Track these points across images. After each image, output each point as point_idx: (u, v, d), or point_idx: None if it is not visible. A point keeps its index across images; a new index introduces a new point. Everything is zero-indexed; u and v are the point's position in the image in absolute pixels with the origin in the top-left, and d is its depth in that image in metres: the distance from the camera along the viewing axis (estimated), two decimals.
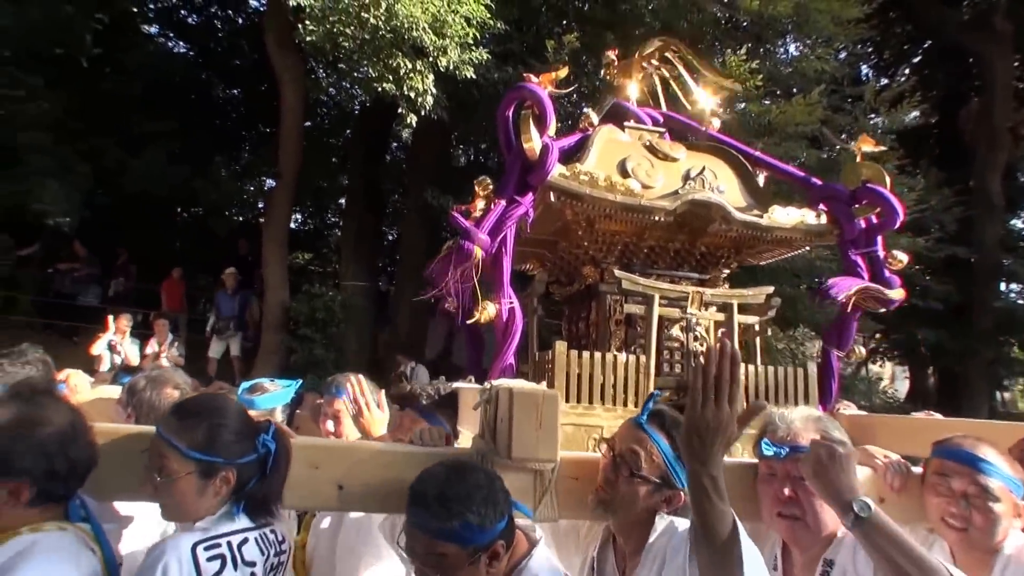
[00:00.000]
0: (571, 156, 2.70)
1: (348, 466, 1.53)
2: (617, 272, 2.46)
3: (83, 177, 9.59)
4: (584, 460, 1.69)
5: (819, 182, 2.83)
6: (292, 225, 11.84)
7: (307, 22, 8.25)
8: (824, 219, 2.68)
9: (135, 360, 7.37)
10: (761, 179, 2.96)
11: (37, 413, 1.29)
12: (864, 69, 11.94)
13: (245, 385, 2.38)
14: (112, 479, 1.41)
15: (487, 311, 2.43)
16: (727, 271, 2.80)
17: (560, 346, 2.35)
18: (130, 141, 10.59)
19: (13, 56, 9.26)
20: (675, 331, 2.54)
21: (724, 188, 2.73)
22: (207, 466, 1.32)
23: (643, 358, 2.36)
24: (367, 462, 1.55)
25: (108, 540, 1.32)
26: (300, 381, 2.58)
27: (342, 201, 14.46)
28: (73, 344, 8.36)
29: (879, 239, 2.60)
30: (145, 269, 11.11)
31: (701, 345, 2.52)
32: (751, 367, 2.40)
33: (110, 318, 7.24)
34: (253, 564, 1.35)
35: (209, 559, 1.28)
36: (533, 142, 2.43)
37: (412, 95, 8.48)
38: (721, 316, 2.50)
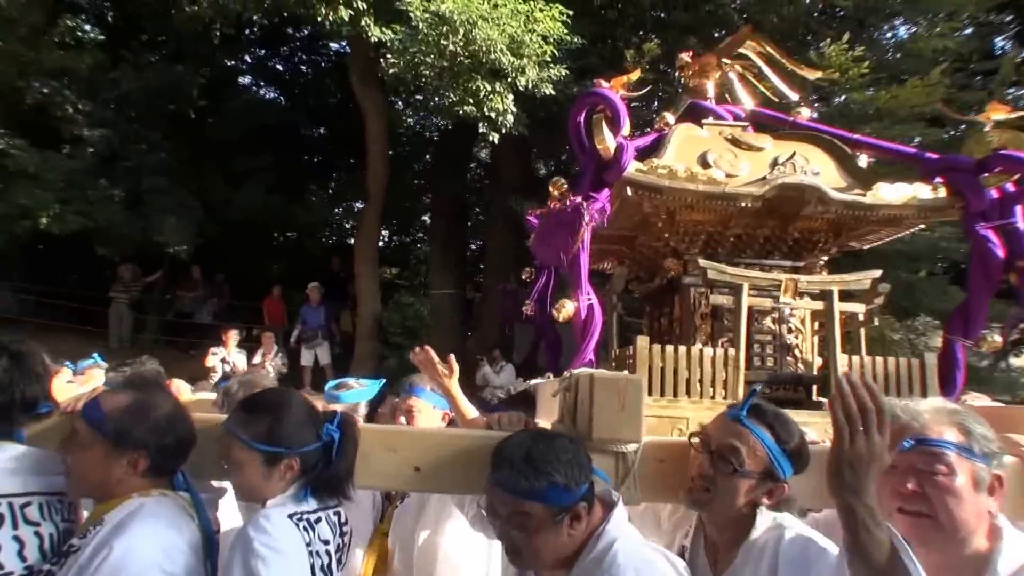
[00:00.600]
0: (647, 155, 2.67)
1: (424, 449, 1.58)
2: (702, 262, 2.37)
3: (194, 211, 10.97)
4: (669, 443, 1.64)
5: (934, 155, 2.60)
6: (380, 243, 12.75)
7: (389, 56, 8.80)
8: (942, 192, 2.44)
9: (243, 368, 8.17)
10: (863, 160, 2.77)
11: (150, 398, 1.50)
12: (999, 41, 10.67)
13: (332, 383, 2.53)
14: (206, 461, 1.54)
15: (565, 309, 2.43)
16: (825, 257, 2.62)
17: (642, 340, 2.30)
18: (233, 177, 12.00)
19: (137, 116, 11.09)
20: (767, 323, 2.41)
21: (819, 170, 2.59)
22: (270, 455, 1.43)
23: (732, 351, 2.25)
24: (443, 446, 1.60)
25: (205, 508, 1.46)
26: (383, 381, 2.69)
27: (426, 218, 15.35)
28: (190, 357, 9.37)
29: (1018, 209, 2.31)
30: (248, 288, 12.35)
31: (796, 337, 2.36)
32: (854, 358, 2.22)
33: (226, 333, 8.07)
34: (327, 542, 1.47)
35: (303, 529, 1.39)
36: (607, 142, 2.43)
37: (492, 115, 8.76)
38: (819, 305, 2.33)
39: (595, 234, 2.71)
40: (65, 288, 11.49)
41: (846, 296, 2.36)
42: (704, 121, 2.86)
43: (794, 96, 3.08)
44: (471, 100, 8.74)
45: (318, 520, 1.45)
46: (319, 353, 10.22)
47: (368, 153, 11.17)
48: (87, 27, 12.38)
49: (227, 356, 8.11)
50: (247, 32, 13.48)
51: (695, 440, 1.53)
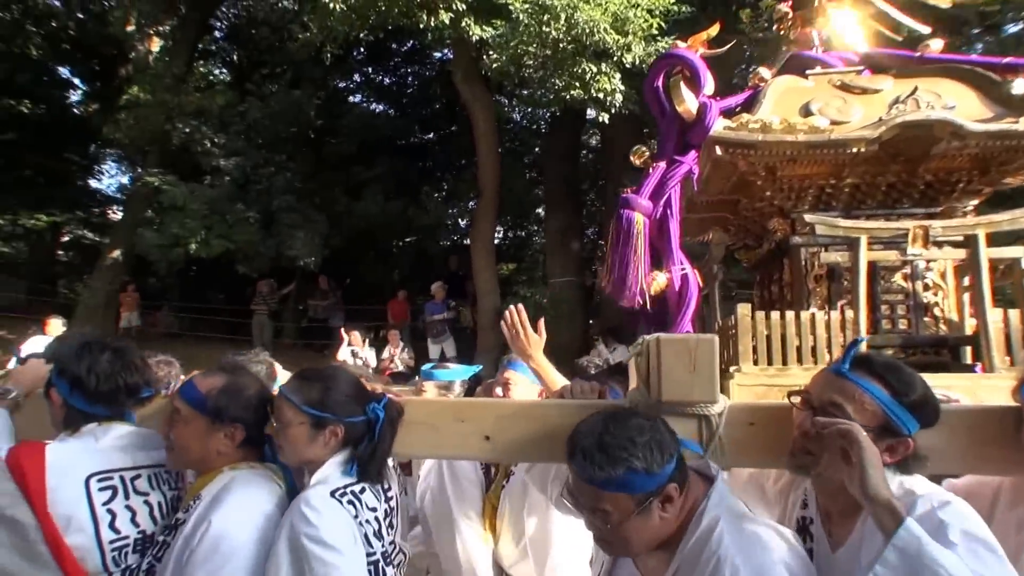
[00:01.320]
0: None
1: (494, 419, 1.64)
2: (808, 216, 2.22)
3: (320, 224, 12.35)
4: (758, 406, 1.56)
5: None
6: (496, 239, 13.41)
7: (491, 52, 9.09)
8: None
9: (373, 363, 9.41)
10: (1019, 85, 2.42)
11: (242, 380, 1.76)
12: None
13: (429, 364, 2.70)
14: None
15: (657, 281, 2.38)
16: (974, 200, 2.33)
17: (743, 308, 2.21)
18: (352, 189, 13.34)
19: (264, 142, 12.60)
20: (896, 280, 2.19)
21: (954, 104, 2.32)
22: (318, 419, 1.58)
23: (850, 313, 2.07)
24: (513, 415, 1.65)
25: (292, 476, 1.63)
26: (479, 367, 2.82)
27: (540, 211, 15.87)
28: (324, 357, 10.71)
29: None
30: (373, 293, 13.76)
31: (935, 294, 2.13)
32: (1012, 312, 1.95)
33: (342, 330, 9.49)
34: (375, 509, 1.60)
35: (348, 503, 1.54)
36: (687, 103, 2.36)
37: (600, 96, 8.73)
38: (961, 253, 2.08)
39: (692, 202, 2.64)
40: (214, 305, 13.58)
41: (996, 241, 2.07)
42: (809, 72, 2.68)
43: (924, 29, 2.78)
44: (577, 84, 8.78)
45: (362, 491, 1.58)
46: (445, 347, 11.12)
47: (478, 151, 11.68)
48: (216, 71, 14.38)
49: (357, 350, 9.08)
50: (355, 52, 14.76)
51: (795, 398, 1.43)
